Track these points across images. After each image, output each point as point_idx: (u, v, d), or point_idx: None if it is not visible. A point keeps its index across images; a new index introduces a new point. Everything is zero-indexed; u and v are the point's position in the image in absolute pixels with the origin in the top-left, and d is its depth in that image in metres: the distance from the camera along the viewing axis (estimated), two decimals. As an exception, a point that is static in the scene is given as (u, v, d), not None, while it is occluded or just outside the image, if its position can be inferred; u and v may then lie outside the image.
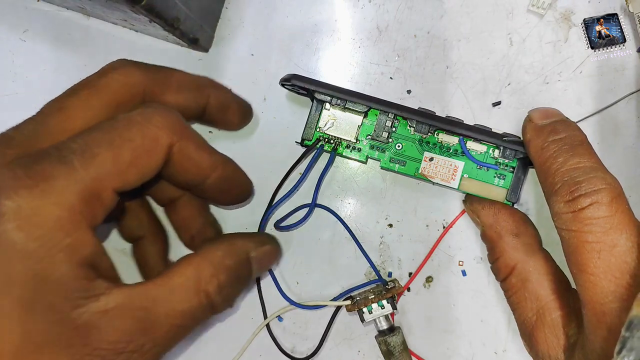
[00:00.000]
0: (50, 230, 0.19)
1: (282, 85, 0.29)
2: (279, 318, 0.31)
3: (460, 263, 0.31)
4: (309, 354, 0.30)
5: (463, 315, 0.31)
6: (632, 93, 0.30)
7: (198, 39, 0.30)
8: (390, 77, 0.31)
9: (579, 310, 0.23)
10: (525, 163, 0.28)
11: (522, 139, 0.27)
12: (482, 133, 0.28)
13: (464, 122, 0.29)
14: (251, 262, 0.26)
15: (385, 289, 0.30)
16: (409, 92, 0.31)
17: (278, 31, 0.32)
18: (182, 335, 0.23)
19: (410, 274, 0.31)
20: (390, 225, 0.31)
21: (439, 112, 0.31)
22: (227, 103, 0.28)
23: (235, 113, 0.29)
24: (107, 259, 0.22)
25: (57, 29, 0.32)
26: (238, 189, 0.29)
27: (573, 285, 0.25)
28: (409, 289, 0.31)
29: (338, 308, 0.30)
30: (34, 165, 0.20)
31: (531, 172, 0.30)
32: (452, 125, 0.28)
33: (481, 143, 0.29)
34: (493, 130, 0.29)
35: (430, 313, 0.31)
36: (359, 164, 0.31)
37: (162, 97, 0.25)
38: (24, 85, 0.32)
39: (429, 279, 0.31)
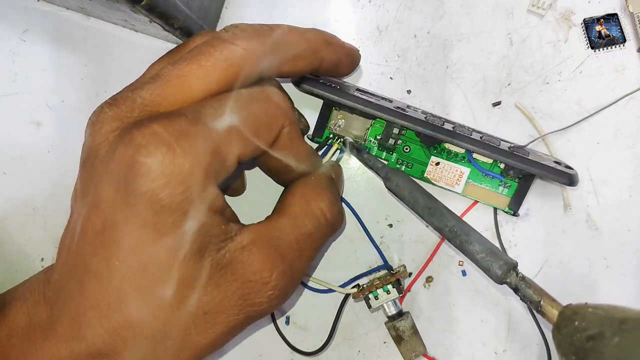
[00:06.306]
0: (192, 186, 0.20)
1: (295, 86, 0.29)
2: (286, 321, 0.31)
3: (460, 263, 0.31)
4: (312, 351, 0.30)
5: (463, 315, 0.31)
6: (632, 93, 0.30)
7: (198, 39, 0.30)
8: (390, 77, 0.31)
9: None
10: (531, 176, 0.29)
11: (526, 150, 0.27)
12: (488, 149, 0.28)
13: (473, 130, 0.29)
14: (334, 180, 0.28)
15: (390, 274, 0.30)
16: (409, 92, 0.31)
17: (278, 31, 0.32)
18: (313, 255, 0.25)
19: (410, 274, 0.31)
20: (390, 225, 0.31)
21: (440, 113, 0.31)
22: (339, 60, 0.28)
23: (345, 67, 0.29)
24: (230, 208, 0.23)
25: (57, 29, 0.32)
26: None
27: None
28: (409, 290, 0.31)
29: (346, 298, 0.31)
30: (171, 124, 0.20)
31: (536, 183, 0.30)
32: (458, 139, 0.28)
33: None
34: (501, 140, 0.29)
35: (430, 313, 0.31)
36: (360, 164, 0.31)
37: (279, 69, 0.25)
38: (24, 85, 0.32)
39: (429, 279, 0.31)
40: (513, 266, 0.26)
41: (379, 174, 0.29)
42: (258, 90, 0.23)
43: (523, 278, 0.25)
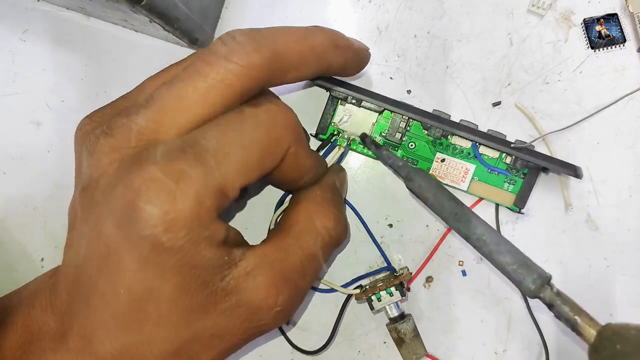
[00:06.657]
0: (193, 228, 0.20)
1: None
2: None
3: (460, 263, 0.31)
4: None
5: (463, 315, 0.31)
6: (632, 93, 0.30)
7: (198, 39, 0.30)
8: (390, 77, 0.31)
9: None
10: (536, 172, 0.29)
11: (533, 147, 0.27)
12: (495, 141, 0.28)
13: (478, 127, 0.29)
14: (339, 189, 0.27)
15: (394, 276, 0.30)
16: (409, 92, 0.31)
17: (278, 31, 0.32)
18: (317, 273, 0.25)
19: (410, 274, 0.31)
20: (390, 225, 0.31)
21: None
22: (346, 63, 0.26)
23: (353, 68, 0.28)
24: (233, 230, 0.23)
25: (57, 29, 0.32)
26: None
27: None
28: (409, 289, 0.31)
29: (348, 298, 0.31)
30: (171, 165, 0.19)
31: (541, 179, 0.30)
32: (466, 131, 0.28)
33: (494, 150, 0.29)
34: (507, 138, 0.29)
35: (430, 313, 0.31)
36: (360, 164, 0.31)
37: (282, 79, 0.23)
38: (24, 85, 0.32)
39: (429, 279, 0.31)
40: (547, 280, 0.24)
41: (399, 174, 0.28)
42: (263, 110, 0.22)
43: (558, 293, 0.23)
